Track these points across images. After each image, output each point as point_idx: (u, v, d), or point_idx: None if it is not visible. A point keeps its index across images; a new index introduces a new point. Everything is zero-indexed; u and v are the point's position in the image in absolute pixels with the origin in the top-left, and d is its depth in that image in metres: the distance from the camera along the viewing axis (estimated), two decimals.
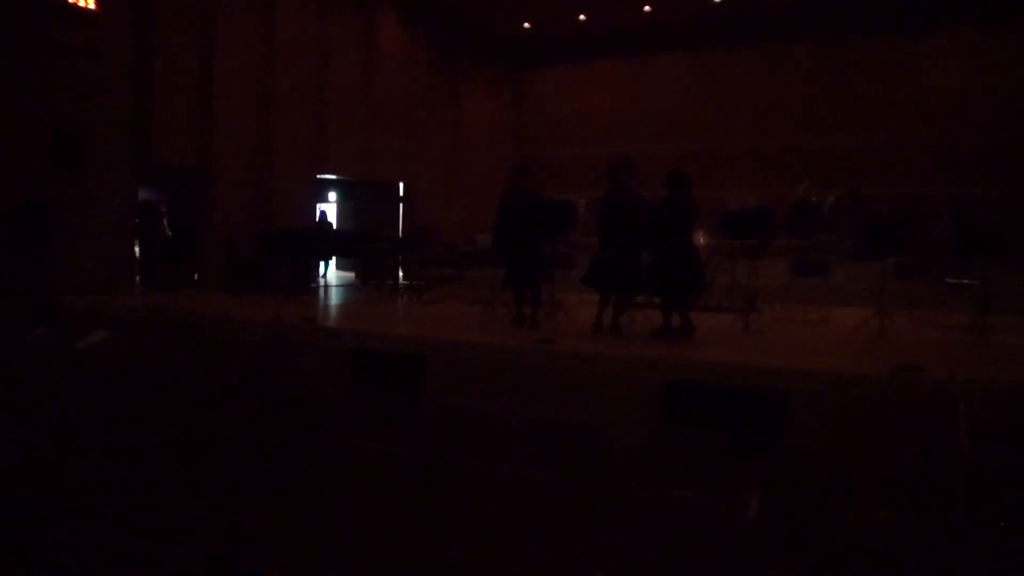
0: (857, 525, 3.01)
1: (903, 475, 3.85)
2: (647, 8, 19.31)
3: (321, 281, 15.09)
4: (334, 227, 16.96)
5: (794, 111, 19.31)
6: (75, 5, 11.63)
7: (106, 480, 4.19)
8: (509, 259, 8.93)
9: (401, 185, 19.52)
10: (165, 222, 12.17)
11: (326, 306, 11.70)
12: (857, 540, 2.95)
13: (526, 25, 21.16)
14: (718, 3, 18.65)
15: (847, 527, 3.00)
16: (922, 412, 5.40)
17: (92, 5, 11.84)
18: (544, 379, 6.75)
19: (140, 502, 3.93)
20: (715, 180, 18.97)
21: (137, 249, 13.34)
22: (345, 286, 15.56)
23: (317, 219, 14.96)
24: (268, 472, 3.95)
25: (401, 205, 19.64)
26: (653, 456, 4.01)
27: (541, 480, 3.29)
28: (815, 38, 19.29)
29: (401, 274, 14.84)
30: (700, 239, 10.91)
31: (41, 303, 9.51)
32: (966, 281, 9.00)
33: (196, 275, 13.20)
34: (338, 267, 18.12)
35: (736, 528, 3.06)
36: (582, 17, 20.27)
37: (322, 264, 15.48)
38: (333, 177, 18.07)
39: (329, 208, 18.74)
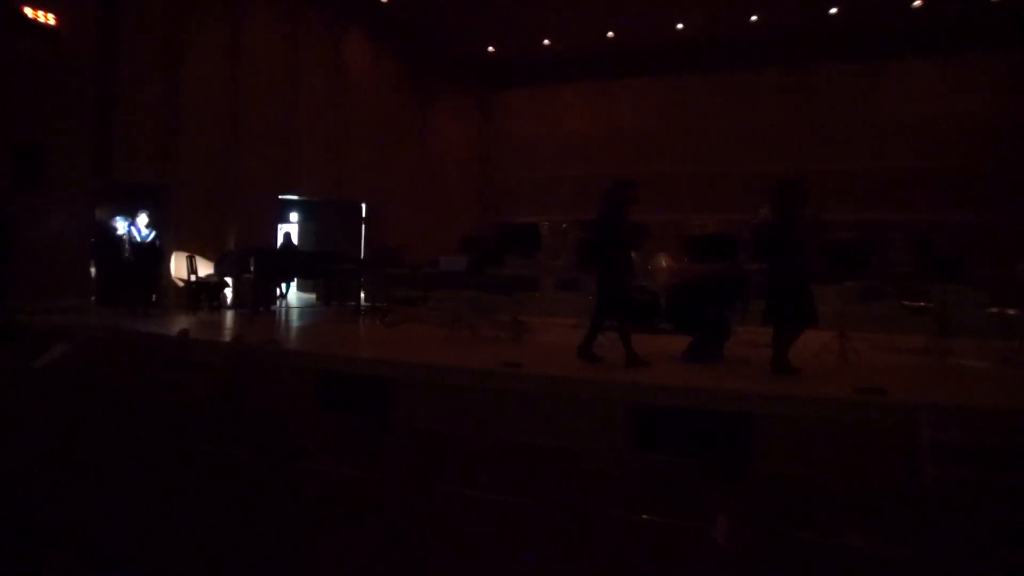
0: (826, 549, 3.03)
1: (868, 498, 3.89)
2: (611, 34, 19.54)
3: (282, 302, 14.95)
4: (297, 248, 16.84)
5: (756, 136, 19.61)
6: (36, 20, 11.47)
7: (67, 506, 4.09)
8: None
9: (364, 205, 19.44)
10: (126, 241, 11.95)
11: (289, 327, 11.58)
12: (826, 564, 2.97)
13: (491, 48, 21.30)
14: (682, 28, 18.90)
15: (816, 551, 3.02)
16: (885, 435, 5.48)
17: (53, 21, 11.68)
18: (512, 402, 6.73)
19: (102, 529, 3.84)
20: (677, 203, 19.22)
21: (93, 268, 13.11)
22: (307, 307, 15.42)
23: (281, 240, 14.82)
24: (234, 498, 3.88)
25: (364, 226, 19.55)
26: (623, 480, 4.01)
27: (513, 506, 3.27)
28: (778, 64, 19.65)
29: (363, 295, 14.76)
30: (663, 262, 11.04)
31: (2, 322, 9.30)
32: (923, 304, 9.16)
33: (155, 296, 12.98)
34: (299, 288, 17.96)
35: (706, 552, 3.06)
36: (546, 42, 20.45)
37: (284, 285, 15.34)
38: (295, 197, 17.93)
39: (292, 228, 18.61)
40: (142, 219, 11.97)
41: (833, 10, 17.18)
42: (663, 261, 11.25)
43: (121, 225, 12.09)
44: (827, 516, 3.63)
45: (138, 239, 11.91)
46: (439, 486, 3.51)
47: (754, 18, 17.92)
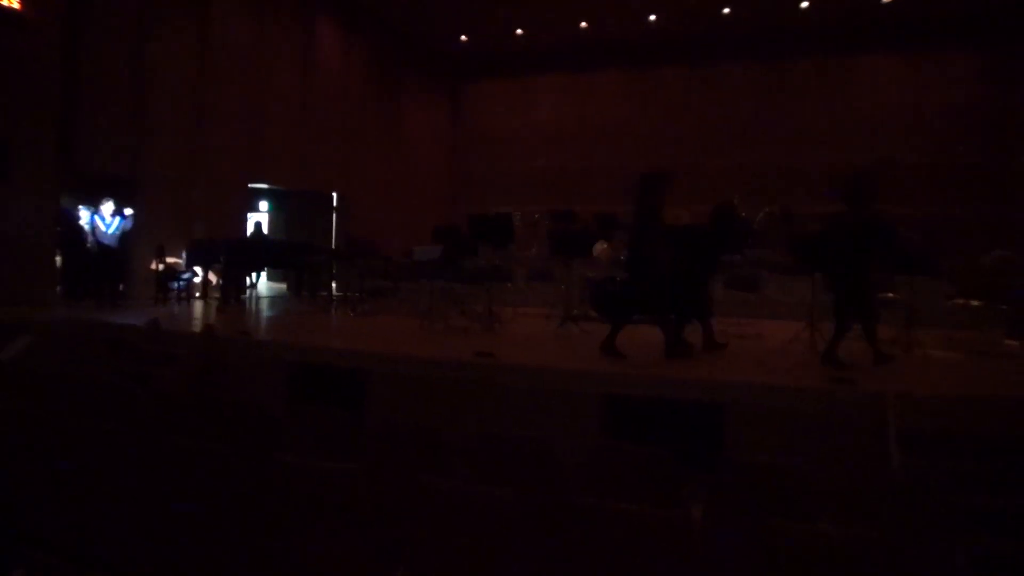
0: (798, 535, 3.07)
1: (839, 485, 3.94)
2: (584, 24, 19.55)
3: (252, 292, 14.82)
4: (268, 237, 16.69)
5: (728, 128, 19.79)
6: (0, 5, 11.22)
7: (36, 503, 4.04)
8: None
9: (335, 195, 19.32)
10: (90, 231, 11.77)
11: (260, 318, 11.49)
12: (799, 551, 3.01)
13: (463, 38, 21.23)
14: (654, 20, 18.96)
15: (788, 537, 3.05)
16: (855, 423, 5.55)
17: (16, 6, 11.44)
18: (486, 392, 6.74)
19: (72, 526, 3.80)
20: None
21: (59, 260, 12.89)
22: (278, 298, 15.31)
23: (251, 229, 14.69)
24: (206, 493, 3.85)
25: (335, 215, 19.43)
26: (597, 469, 4.03)
27: (490, 496, 3.28)
28: (751, 57, 19.81)
29: (335, 286, 14.68)
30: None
31: None
32: (891, 295, 9.27)
33: (122, 286, 12.80)
34: (270, 278, 17.82)
35: (680, 540, 3.09)
36: (519, 31, 20.43)
37: (254, 275, 15.20)
38: (264, 186, 17.78)
39: (262, 218, 18.44)
40: (107, 207, 11.78)
41: (804, 3, 17.32)
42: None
43: (84, 215, 11.89)
44: (799, 503, 3.68)
45: (103, 228, 11.71)
46: (415, 477, 3.51)
47: (727, 10, 18.02)
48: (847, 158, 18.13)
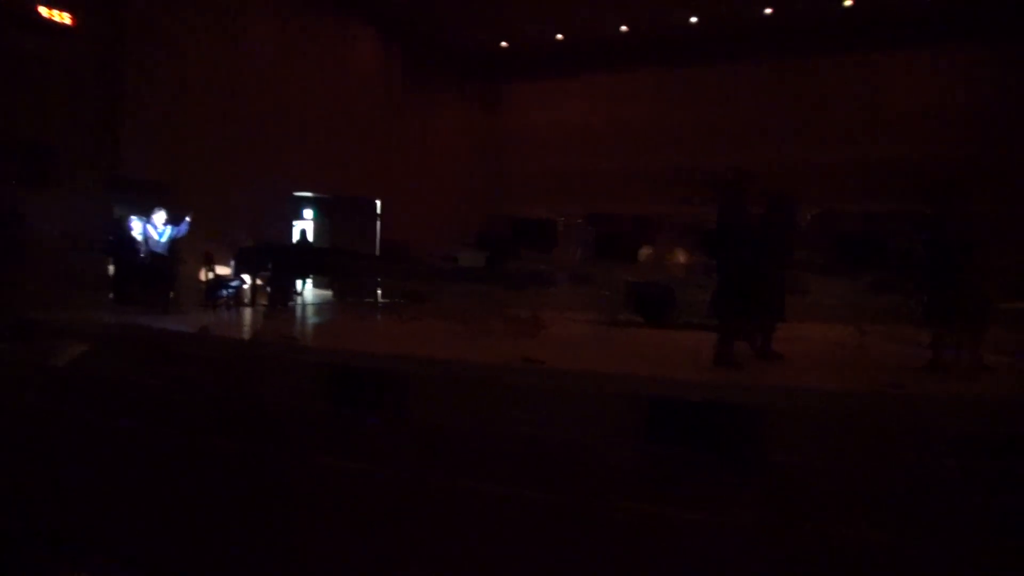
0: (841, 540, 3.03)
1: (883, 490, 3.87)
2: (624, 28, 19.49)
3: (298, 299, 15.00)
4: (313, 245, 16.88)
5: (769, 126, 19.47)
6: (50, 19, 11.52)
7: (82, 502, 4.13)
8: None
9: (378, 202, 19.48)
10: (143, 241, 11.98)
11: (305, 324, 11.62)
12: (840, 555, 2.97)
13: (503, 44, 21.28)
14: (695, 22, 18.84)
15: (831, 542, 3.01)
16: (904, 428, 5.45)
17: (68, 20, 11.73)
18: (529, 397, 6.73)
19: (116, 526, 3.87)
20: (692, 197, 19.11)
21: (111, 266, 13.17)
22: (323, 303, 15.47)
23: (297, 237, 14.88)
24: (249, 493, 3.90)
25: (378, 222, 19.58)
26: (641, 474, 4.01)
27: (530, 500, 3.28)
28: (786, 55, 19.52)
29: (379, 291, 14.78)
30: (680, 257, 11.03)
31: (16, 319, 9.36)
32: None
33: (172, 292, 13.02)
34: (315, 285, 18.01)
35: (727, 545, 3.06)
36: (559, 36, 20.42)
37: (299, 281, 15.38)
38: (309, 194, 17.98)
39: (307, 225, 18.65)
40: (159, 217, 11.99)
41: (848, 2, 17.09)
42: (679, 256, 11.24)
43: (137, 225, 12.11)
44: (843, 508, 3.62)
45: (156, 237, 11.93)
46: (457, 481, 3.52)
47: (769, 11, 17.83)
48: (884, 155, 17.80)
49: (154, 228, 11.97)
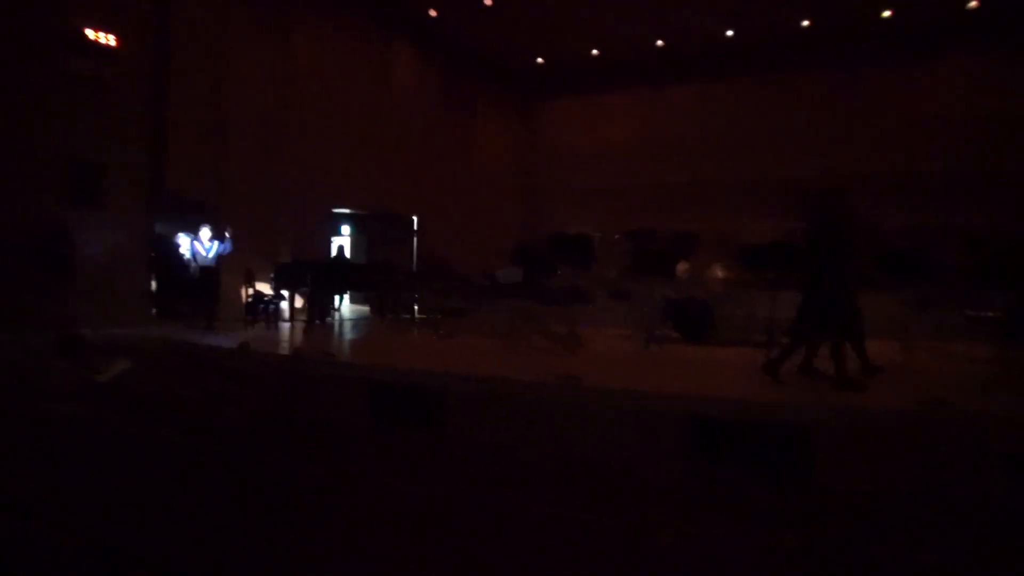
0: (892, 563, 2.96)
1: (934, 511, 3.79)
2: (660, 42, 19.46)
3: (336, 314, 15.11)
4: (350, 260, 17.01)
5: (807, 139, 19.28)
6: (96, 42, 11.78)
7: (128, 515, 4.16)
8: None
9: (415, 218, 19.59)
10: (193, 258, 12.14)
11: (343, 339, 11.69)
12: None
13: (539, 60, 21.36)
14: (732, 35, 18.76)
15: (882, 565, 2.94)
16: (952, 447, 5.32)
17: (113, 42, 11.99)
18: (568, 414, 6.69)
19: (162, 539, 3.89)
20: (729, 211, 18.99)
21: (154, 282, 13.39)
22: (361, 319, 15.56)
23: (334, 252, 15.00)
24: (290, 508, 3.91)
25: (415, 238, 19.70)
26: (684, 493, 3.95)
27: (571, 521, 3.24)
28: (826, 67, 19.32)
29: (416, 307, 14.84)
30: (718, 272, 10.94)
31: (64, 336, 9.53)
32: (989, 314, 8.89)
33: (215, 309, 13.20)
34: (352, 300, 18.13)
35: (775, 567, 3.01)
36: (595, 52, 20.44)
37: (337, 297, 15.50)
38: (346, 210, 18.14)
39: (344, 241, 18.81)
40: (205, 233, 12.16)
41: (887, 13, 16.89)
42: (718, 271, 11.14)
43: (184, 241, 12.29)
44: (893, 530, 3.54)
45: (203, 253, 12.08)
46: (495, 500, 3.50)
47: (806, 23, 17.71)
48: (927, 167, 17.53)
49: (200, 244, 12.12)
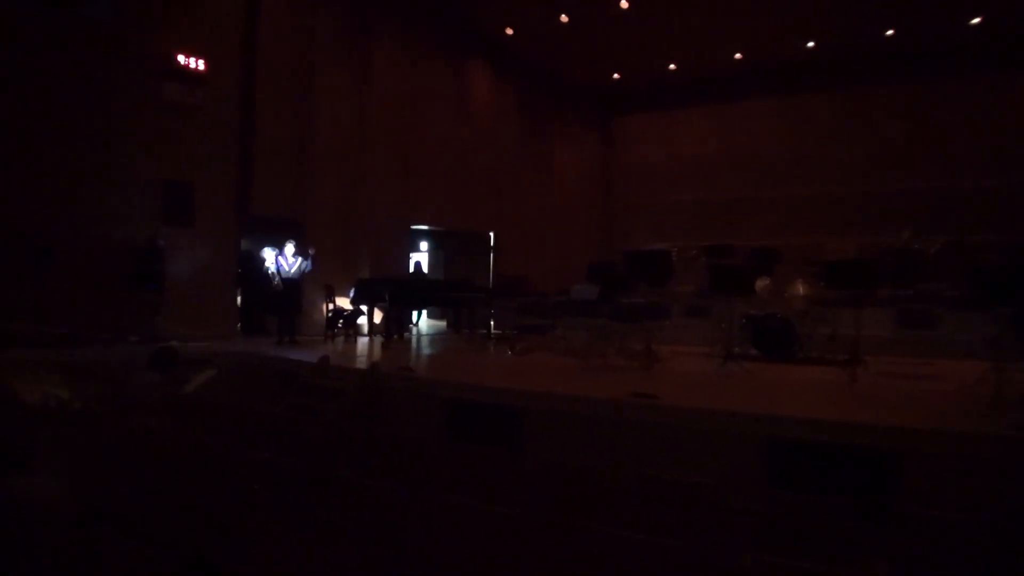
0: None
1: None
2: (738, 55, 19.21)
3: (414, 330, 15.30)
4: (428, 276, 17.21)
5: (892, 154, 18.70)
6: (187, 68, 12.26)
7: (208, 528, 4.25)
8: None
9: (491, 235, 19.72)
10: (278, 273, 12.46)
11: (421, 355, 11.81)
12: None
13: (616, 76, 21.31)
14: (812, 47, 18.40)
15: None
16: None
17: (202, 68, 12.46)
18: (644, 433, 6.62)
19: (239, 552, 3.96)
20: (811, 227, 18.56)
21: (239, 298, 13.80)
22: (438, 335, 15.70)
23: (412, 269, 15.20)
24: (375, 527, 3.94)
25: (492, 254, 19.82)
26: (767, 519, 3.85)
27: (650, 545, 3.18)
28: (912, 78, 18.70)
29: (492, 324, 14.91)
30: (799, 289, 10.69)
31: (156, 349, 9.88)
32: None
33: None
34: (430, 316, 18.32)
35: None
36: (672, 66, 20.30)
37: (415, 313, 15.69)
38: (424, 227, 18.37)
39: (422, 257, 19.05)
40: (289, 249, 12.47)
41: (975, 20, 16.33)
42: (799, 287, 10.90)
43: (270, 256, 12.62)
44: (986, 562, 3.39)
45: (286, 268, 12.39)
46: (572, 522, 3.46)
47: (890, 32, 17.25)
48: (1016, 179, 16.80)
49: (286, 260, 12.43)
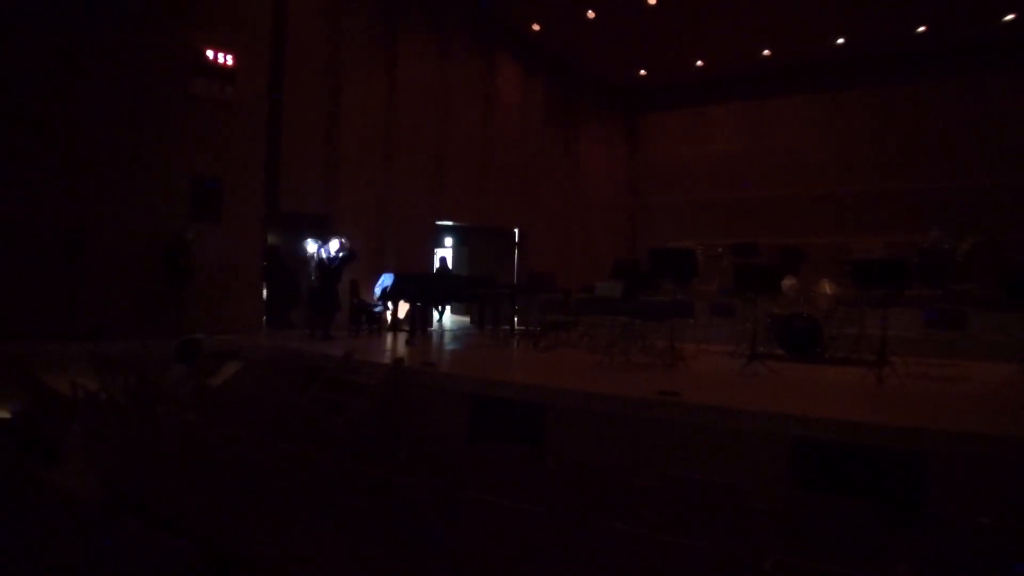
0: None
1: None
2: (767, 52, 19.06)
3: (438, 325, 15.33)
4: (452, 272, 17.25)
5: (922, 152, 18.49)
6: (216, 63, 12.36)
7: (233, 520, 4.29)
8: None
9: (516, 231, 19.72)
10: (317, 267, 12.56)
11: (444, 350, 11.84)
12: None
13: (642, 72, 21.22)
14: (841, 43, 18.20)
15: None
16: None
17: (232, 63, 12.55)
18: (668, 431, 6.60)
19: (265, 547, 3.99)
20: (838, 226, 18.39)
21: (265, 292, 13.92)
22: (462, 330, 15.73)
23: (437, 264, 15.23)
24: (400, 524, 3.95)
25: (516, 251, 19.82)
26: (790, 520, 3.83)
27: (671, 546, 3.17)
28: (941, 75, 18.46)
29: (516, 320, 14.92)
30: (826, 288, 10.60)
31: (184, 341, 9.99)
32: None
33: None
34: (454, 311, 18.35)
35: None
36: (700, 63, 20.18)
37: (440, 308, 15.74)
38: (449, 223, 18.41)
39: (447, 253, 19.08)
40: (333, 244, 12.57)
41: (1009, 16, 16.08)
42: (826, 287, 10.80)
43: (312, 247, 12.71)
44: (1014, 568, 3.35)
45: (326, 263, 12.47)
46: (596, 520, 3.46)
47: (922, 29, 17.02)
48: None
49: (327, 254, 12.51)
